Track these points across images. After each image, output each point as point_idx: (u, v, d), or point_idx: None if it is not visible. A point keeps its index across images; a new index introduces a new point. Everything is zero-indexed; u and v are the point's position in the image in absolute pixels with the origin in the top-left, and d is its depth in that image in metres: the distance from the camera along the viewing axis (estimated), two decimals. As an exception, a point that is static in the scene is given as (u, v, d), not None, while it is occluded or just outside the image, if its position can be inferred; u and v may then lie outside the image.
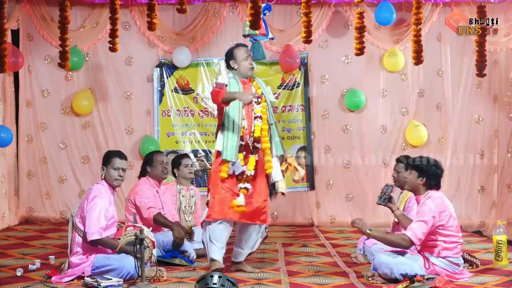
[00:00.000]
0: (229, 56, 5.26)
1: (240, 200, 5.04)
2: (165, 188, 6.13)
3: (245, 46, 5.37)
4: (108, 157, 5.04)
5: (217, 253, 5.06)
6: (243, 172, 5.09)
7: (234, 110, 5.07)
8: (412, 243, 4.70)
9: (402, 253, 4.86)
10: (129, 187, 7.26)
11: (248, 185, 5.12)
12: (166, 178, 6.10)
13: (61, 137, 8.08)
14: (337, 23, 8.09)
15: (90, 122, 8.09)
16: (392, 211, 5.22)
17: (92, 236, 4.78)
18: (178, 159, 6.32)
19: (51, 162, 8.05)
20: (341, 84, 8.14)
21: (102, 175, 5.03)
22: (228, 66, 5.29)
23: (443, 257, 4.79)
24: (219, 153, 5.10)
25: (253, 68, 5.29)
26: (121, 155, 5.07)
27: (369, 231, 4.78)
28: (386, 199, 5.17)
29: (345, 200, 8.10)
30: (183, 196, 6.27)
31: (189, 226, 5.91)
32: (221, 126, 5.12)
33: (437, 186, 4.89)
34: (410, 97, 8.11)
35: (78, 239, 4.89)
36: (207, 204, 5.15)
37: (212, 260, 5.07)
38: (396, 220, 5.42)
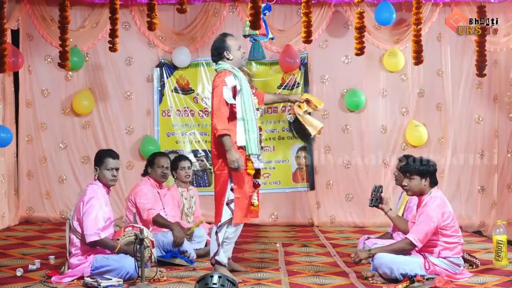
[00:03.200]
0: (222, 47, 5.02)
1: (255, 198, 5.02)
2: (166, 191, 6.11)
3: (232, 35, 5.19)
4: (101, 158, 5.01)
5: (223, 256, 4.95)
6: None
7: (249, 101, 4.95)
8: (413, 245, 4.73)
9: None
10: (129, 187, 7.29)
11: (260, 181, 5.12)
12: (164, 182, 6.08)
13: (61, 137, 8.08)
14: (337, 23, 8.08)
15: (90, 122, 8.08)
16: (385, 213, 5.23)
17: (91, 237, 4.78)
18: (176, 161, 6.29)
19: (51, 162, 8.05)
20: (341, 84, 8.14)
21: (95, 176, 5.02)
22: (219, 58, 5.03)
23: (444, 257, 4.80)
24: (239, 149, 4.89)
25: (244, 58, 5.20)
26: (113, 154, 5.05)
27: (370, 251, 4.86)
28: (377, 200, 5.19)
29: (345, 200, 8.09)
30: (185, 199, 6.27)
31: (190, 229, 5.85)
32: (238, 120, 4.90)
33: (436, 182, 4.93)
34: (410, 97, 8.10)
35: (76, 241, 4.89)
36: (227, 204, 4.88)
37: (220, 264, 4.91)
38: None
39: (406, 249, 4.82)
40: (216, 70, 5.10)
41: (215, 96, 4.90)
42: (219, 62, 5.06)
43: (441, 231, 4.78)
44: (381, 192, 5.21)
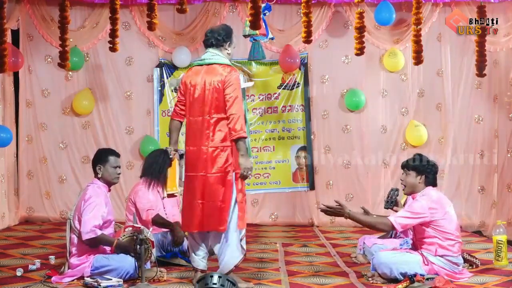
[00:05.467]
0: (228, 37, 4.79)
1: None
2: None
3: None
4: (104, 156, 5.05)
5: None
6: None
7: (245, 105, 4.85)
8: (393, 227, 4.77)
9: (402, 253, 4.89)
10: (129, 187, 7.28)
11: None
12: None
13: (61, 137, 8.08)
14: (337, 23, 8.09)
15: (90, 122, 8.09)
16: None
17: (87, 235, 4.77)
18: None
19: (51, 162, 8.05)
20: (341, 84, 8.14)
21: (99, 174, 5.03)
22: (217, 45, 4.76)
23: (441, 256, 4.79)
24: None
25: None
26: (115, 152, 5.14)
27: (348, 212, 4.79)
28: (392, 203, 5.29)
29: (345, 200, 8.07)
30: None
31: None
32: None
33: (434, 183, 4.94)
34: (410, 97, 8.11)
35: (76, 240, 4.89)
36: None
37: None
38: None
39: (381, 228, 4.87)
40: (210, 59, 4.77)
41: (236, 95, 4.62)
42: (215, 51, 4.79)
43: (435, 227, 4.78)
44: (397, 195, 5.29)
